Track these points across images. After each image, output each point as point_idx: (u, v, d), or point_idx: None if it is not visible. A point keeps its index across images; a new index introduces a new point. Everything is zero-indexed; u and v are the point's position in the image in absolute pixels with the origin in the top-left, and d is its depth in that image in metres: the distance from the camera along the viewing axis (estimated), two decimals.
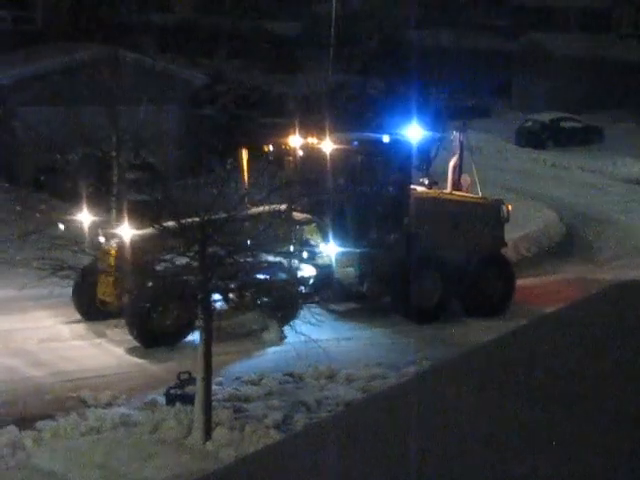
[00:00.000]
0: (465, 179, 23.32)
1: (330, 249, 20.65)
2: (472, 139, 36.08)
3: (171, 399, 15.70)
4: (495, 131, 46.69)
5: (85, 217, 20.40)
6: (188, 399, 15.11)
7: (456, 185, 23.12)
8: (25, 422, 14.95)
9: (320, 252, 20.84)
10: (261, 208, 20.26)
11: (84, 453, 13.95)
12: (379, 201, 21.51)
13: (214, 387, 15.16)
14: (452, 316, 21.65)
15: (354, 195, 21.26)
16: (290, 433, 13.89)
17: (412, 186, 22.06)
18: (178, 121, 33.25)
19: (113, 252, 18.56)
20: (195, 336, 17.63)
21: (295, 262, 19.74)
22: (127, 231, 18.73)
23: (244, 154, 21.60)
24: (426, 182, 22.93)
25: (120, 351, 18.69)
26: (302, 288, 20.14)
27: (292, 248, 19.81)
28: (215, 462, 13.06)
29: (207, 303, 13.95)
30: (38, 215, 26.24)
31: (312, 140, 21.43)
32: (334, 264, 20.69)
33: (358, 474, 4.51)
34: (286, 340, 19.20)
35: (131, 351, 18.60)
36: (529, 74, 55.91)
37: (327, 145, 20.95)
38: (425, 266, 21.32)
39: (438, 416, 4.96)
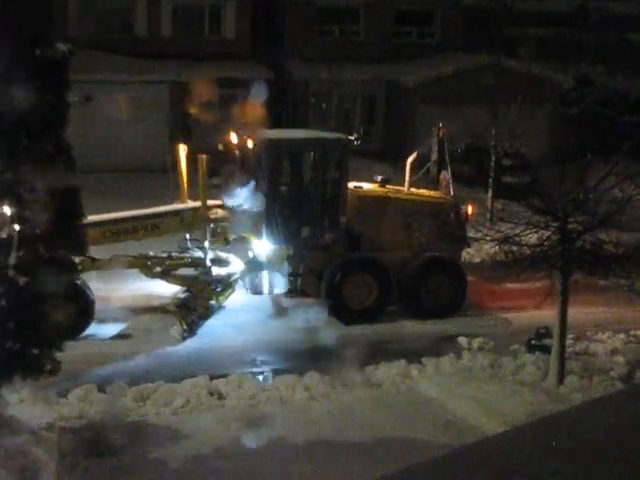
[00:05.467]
0: (445, 176, 19.39)
1: (262, 246, 17.83)
2: None
3: (531, 348, 16.05)
4: None
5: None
6: (545, 349, 15.39)
7: (434, 182, 19.52)
8: (413, 357, 15.60)
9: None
10: (163, 208, 17.79)
11: (458, 386, 14.36)
12: (310, 199, 17.75)
13: (568, 341, 15.23)
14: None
15: (281, 193, 17.77)
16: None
17: (359, 184, 18.60)
18: (548, 118, 33.25)
19: None
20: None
21: (211, 259, 17.06)
22: None
23: (182, 150, 18.04)
24: (379, 179, 19.02)
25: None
26: (218, 287, 16.99)
27: (207, 245, 16.97)
28: (566, 404, 13.05)
29: (566, 269, 14.02)
30: None
31: (245, 137, 17.88)
32: (264, 261, 17.89)
33: None
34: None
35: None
36: None
37: (250, 143, 17.70)
38: (357, 267, 18.02)
39: None
